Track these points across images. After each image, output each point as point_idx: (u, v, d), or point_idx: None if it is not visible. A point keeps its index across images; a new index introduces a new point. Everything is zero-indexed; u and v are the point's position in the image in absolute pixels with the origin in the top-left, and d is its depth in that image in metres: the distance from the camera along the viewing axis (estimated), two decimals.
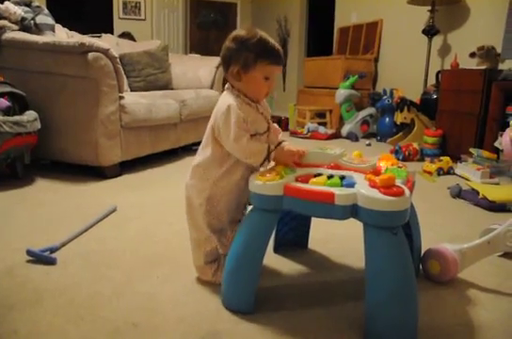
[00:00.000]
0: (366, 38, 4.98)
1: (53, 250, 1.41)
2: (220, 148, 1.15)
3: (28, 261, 1.35)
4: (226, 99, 1.14)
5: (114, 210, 1.85)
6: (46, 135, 2.37)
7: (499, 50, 3.23)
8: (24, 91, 2.26)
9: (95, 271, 1.30)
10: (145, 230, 1.66)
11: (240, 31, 1.15)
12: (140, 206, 1.94)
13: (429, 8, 3.77)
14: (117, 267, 1.33)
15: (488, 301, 1.18)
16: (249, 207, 1.14)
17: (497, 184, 2.47)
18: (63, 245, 1.46)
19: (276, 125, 1.28)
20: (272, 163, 1.16)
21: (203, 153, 1.19)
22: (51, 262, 1.34)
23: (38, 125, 2.24)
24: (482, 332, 1.03)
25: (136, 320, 1.04)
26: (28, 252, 1.36)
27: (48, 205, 1.94)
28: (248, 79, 1.14)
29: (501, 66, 3.24)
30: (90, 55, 2.24)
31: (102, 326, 1.02)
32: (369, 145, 4.00)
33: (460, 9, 3.76)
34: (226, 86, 1.20)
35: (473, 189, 2.17)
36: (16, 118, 2.12)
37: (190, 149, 3.24)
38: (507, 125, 2.57)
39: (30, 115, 2.21)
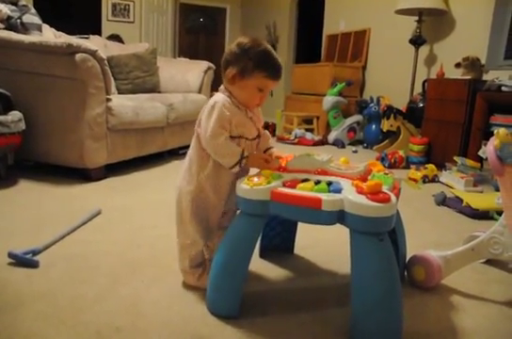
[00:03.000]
0: (354, 46, 5.03)
1: (35, 253, 1.38)
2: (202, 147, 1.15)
3: (9, 263, 1.32)
4: (216, 97, 1.16)
5: (98, 213, 1.83)
6: (31, 135, 2.33)
7: (483, 61, 3.30)
8: (9, 91, 2.23)
9: (78, 275, 1.28)
10: (130, 233, 1.64)
11: (247, 38, 1.15)
12: (125, 209, 1.92)
13: (416, 18, 3.83)
14: (100, 271, 1.31)
15: (472, 307, 1.19)
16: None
17: (480, 192, 2.50)
18: (46, 248, 1.44)
19: (266, 131, 1.29)
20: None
21: (191, 150, 1.20)
22: (33, 265, 1.31)
23: (22, 126, 2.20)
24: (465, 338, 1.04)
25: (120, 324, 1.03)
26: (10, 255, 1.33)
27: (31, 207, 1.90)
28: (241, 85, 1.15)
29: (485, 76, 3.30)
30: (78, 56, 2.22)
31: (84, 330, 1.00)
32: (355, 152, 4.03)
33: (446, 21, 3.83)
34: (220, 87, 1.21)
35: (457, 197, 2.20)
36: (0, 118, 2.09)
37: (177, 153, 3.23)
38: (491, 134, 2.61)
39: (15, 115, 2.17)
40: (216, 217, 1.21)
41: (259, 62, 1.12)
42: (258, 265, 1.38)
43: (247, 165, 1.14)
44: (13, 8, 2.70)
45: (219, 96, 1.16)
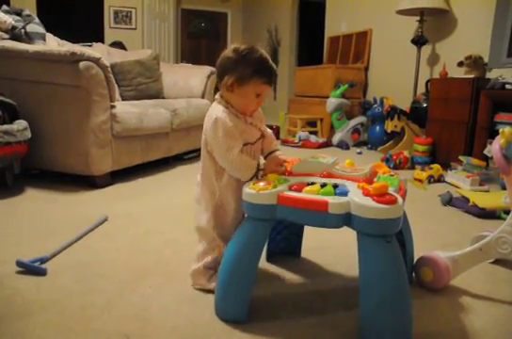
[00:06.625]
0: (356, 47, 5.03)
1: (43, 261, 1.38)
2: (215, 161, 1.17)
3: (18, 272, 1.33)
4: (214, 111, 1.15)
5: (105, 220, 1.84)
6: (37, 144, 2.35)
7: (486, 59, 3.29)
8: (15, 100, 2.25)
9: (86, 282, 1.28)
10: (136, 239, 1.65)
11: (242, 44, 1.14)
12: (131, 216, 1.93)
13: (418, 18, 3.83)
14: (108, 278, 1.31)
15: (481, 308, 1.18)
16: None
17: (487, 191, 2.49)
18: (53, 255, 1.44)
19: (271, 133, 1.29)
20: None
21: (203, 167, 1.22)
22: (41, 273, 1.32)
23: (28, 134, 2.22)
24: (475, 338, 1.04)
25: (129, 331, 1.03)
26: (18, 263, 1.34)
27: (38, 215, 1.91)
28: (240, 92, 1.15)
29: (488, 75, 3.29)
30: (82, 64, 2.24)
31: (93, 338, 1.00)
32: (360, 153, 4.02)
33: (448, 20, 3.83)
34: (216, 96, 1.21)
35: (464, 197, 2.19)
36: (6, 127, 2.10)
37: (181, 158, 3.23)
38: (496, 133, 2.60)
39: (20, 124, 2.19)
40: (238, 220, 1.20)
41: (257, 68, 1.12)
42: (265, 268, 1.38)
43: (263, 176, 1.15)
44: (17, 18, 2.73)
45: (218, 109, 1.15)
